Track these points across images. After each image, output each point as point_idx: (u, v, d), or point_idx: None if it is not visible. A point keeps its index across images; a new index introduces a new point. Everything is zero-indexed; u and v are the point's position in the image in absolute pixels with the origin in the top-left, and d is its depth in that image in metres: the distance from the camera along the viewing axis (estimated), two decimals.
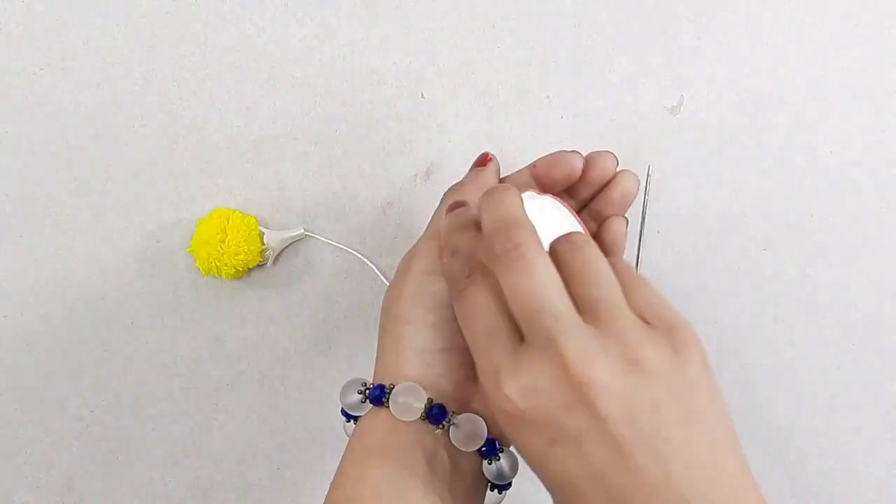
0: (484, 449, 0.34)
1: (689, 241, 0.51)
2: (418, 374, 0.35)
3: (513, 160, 0.49)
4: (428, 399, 0.34)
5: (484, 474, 0.35)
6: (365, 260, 0.49)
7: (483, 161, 0.41)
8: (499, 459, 0.35)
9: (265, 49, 0.49)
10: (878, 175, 0.51)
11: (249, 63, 0.49)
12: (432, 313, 0.35)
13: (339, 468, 0.34)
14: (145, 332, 0.49)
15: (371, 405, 0.35)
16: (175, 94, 0.49)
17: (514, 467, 0.35)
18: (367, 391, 0.35)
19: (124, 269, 0.48)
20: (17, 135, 0.48)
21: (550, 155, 0.39)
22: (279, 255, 0.49)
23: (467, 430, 0.34)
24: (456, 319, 0.32)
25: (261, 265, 0.48)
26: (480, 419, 0.34)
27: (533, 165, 0.39)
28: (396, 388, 0.34)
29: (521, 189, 0.37)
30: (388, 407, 0.34)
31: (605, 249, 0.39)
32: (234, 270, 0.47)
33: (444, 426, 0.34)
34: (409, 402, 0.34)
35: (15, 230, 0.48)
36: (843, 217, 0.51)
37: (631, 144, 0.51)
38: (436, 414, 0.34)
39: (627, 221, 0.40)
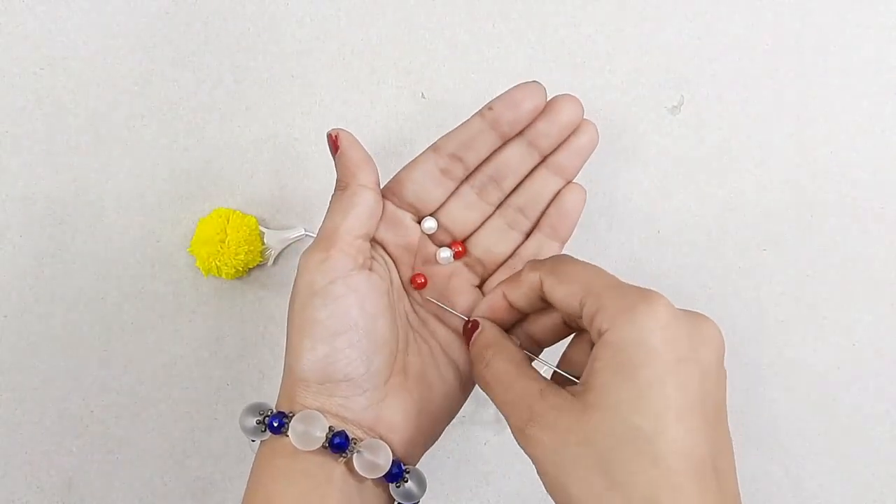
0: (393, 473, 0.33)
1: (689, 241, 0.51)
2: (320, 402, 0.33)
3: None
4: (329, 427, 0.33)
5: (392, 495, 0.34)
6: None
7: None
8: (406, 482, 0.34)
9: (265, 49, 0.49)
10: (878, 175, 0.51)
11: (249, 63, 0.49)
12: (323, 343, 0.33)
13: (245, 493, 0.33)
14: (145, 332, 0.48)
15: (269, 432, 0.33)
16: (175, 94, 0.49)
17: (423, 485, 0.34)
18: (266, 419, 0.33)
19: (124, 269, 0.48)
20: (17, 135, 0.48)
21: (510, 92, 0.36)
22: (279, 255, 0.49)
23: (369, 459, 0.33)
24: (354, 343, 0.33)
25: (261, 265, 0.48)
26: (384, 445, 0.33)
27: (489, 108, 0.36)
28: (296, 416, 0.33)
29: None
30: (288, 436, 0.32)
31: (561, 220, 0.38)
32: (234, 270, 0.47)
33: (346, 455, 0.33)
34: (309, 432, 0.32)
35: (15, 230, 0.48)
36: (843, 217, 0.51)
37: (631, 144, 0.51)
38: (338, 443, 0.32)
39: (585, 192, 0.38)
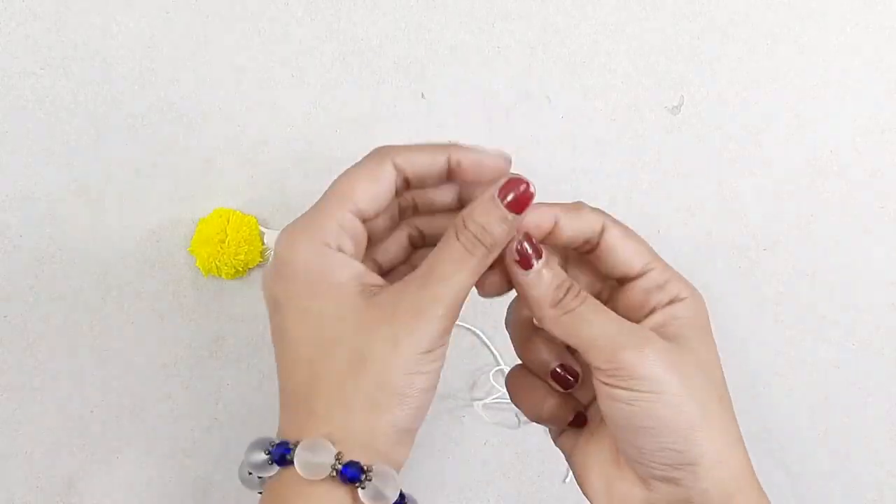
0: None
1: (689, 241, 0.51)
2: (328, 428, 0.31)
3: (513, 160, 0.49)
4: (338, 454, 0.31)
5: None
6: None
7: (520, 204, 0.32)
8: None
9: (265, 49, 0.49)
10: (878, 175, 0.51)
11: (249, 63, 0.49)
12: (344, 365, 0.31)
13: None
14: (145, 332, 0.48)
15: (276, 465, 0.31)
16: (175, 94, 0.49)
17: None
18: (269, 450, 0.31)
19: (124, 269, 0.48)
20: (17, 135, 0.48)
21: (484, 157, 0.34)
22: None
23: (378, 488, 0.31)
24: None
25: (261, 265, 0.48)
26: (394, 472, 0.32)
27: (458, 164, 0.33)
28: (301, 443, 0.31)
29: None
30: (294, 465, 0.30)
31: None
32: (234, 270, 0.47)
33: (360, 484, 0.31)
34: (315, 460, 0.30)
35: (15, 230, 0.48)
36: (843, 217, 0.51)
37: (631, 144, 0.51)
38: (349, 472, 0.31)
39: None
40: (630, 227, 0.35)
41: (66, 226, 0.48)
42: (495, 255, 0.32)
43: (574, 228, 0.33)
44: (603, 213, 0.34)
